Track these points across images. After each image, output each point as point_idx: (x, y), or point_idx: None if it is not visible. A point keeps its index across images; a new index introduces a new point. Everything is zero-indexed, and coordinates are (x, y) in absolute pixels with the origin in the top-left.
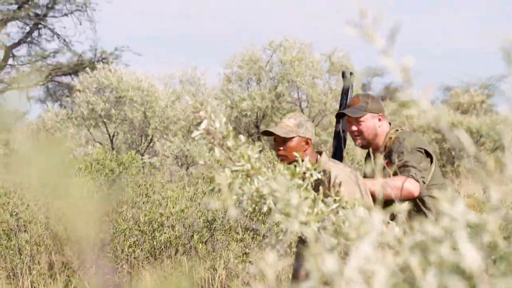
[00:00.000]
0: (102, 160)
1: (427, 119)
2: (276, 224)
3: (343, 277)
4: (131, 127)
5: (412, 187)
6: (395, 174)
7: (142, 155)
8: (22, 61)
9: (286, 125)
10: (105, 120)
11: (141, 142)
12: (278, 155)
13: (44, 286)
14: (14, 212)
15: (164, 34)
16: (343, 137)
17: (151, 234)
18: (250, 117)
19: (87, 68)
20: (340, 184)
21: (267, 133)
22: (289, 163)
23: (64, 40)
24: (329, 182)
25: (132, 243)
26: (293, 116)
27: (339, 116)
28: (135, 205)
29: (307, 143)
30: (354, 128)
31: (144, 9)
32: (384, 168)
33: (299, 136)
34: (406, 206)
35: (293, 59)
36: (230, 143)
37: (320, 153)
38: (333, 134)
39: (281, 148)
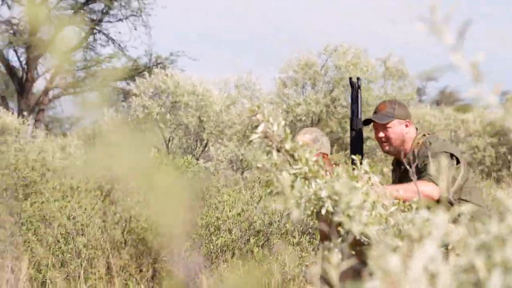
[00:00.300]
0: (160, 164)
1: (488, 120)
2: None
3: (407, 278)
4: (186, 131)
5: (429, 189)
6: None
7: (197, 159)
8: (78, 66)
9: (302, 141)
10: (160, 124)
11: (196, 146)
12: None
13: None
14: (72, 215)
15: (209, 31)
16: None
17: (208, 238)
18: (305, 122)
19: (145, 73)
20: None
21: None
22: None
23: (119, 45)
24: None
25: (188, 246)
26: (308, 131)
27: (366, 123)
28: (193, 209)
29: (324, 157)
30: (381, 134)
31: (189, 6)
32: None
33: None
34: (470, 207)
35: (348, 64)
36: (288, 146)
37: (337, 165)
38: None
39: None
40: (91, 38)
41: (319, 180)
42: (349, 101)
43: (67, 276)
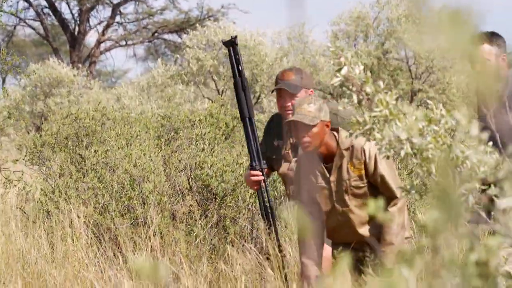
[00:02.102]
0: (216, 114)
1: None
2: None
3: None
4: None
5: None
6: None
7: None
8: (129, 18)
9: (308, 112)
10: (214, 76)
11: None
12: (302, 143)
13: (167, 235)
14: (136, 162)
15: None
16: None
17: (272, 184)
18: None
19: (197, 25)
20: (376, 159)
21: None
22: (312, 150)
23: None
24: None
25: (253, 193)
26: (312, 100)
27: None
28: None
29: (327, 126)
30: (288, 103)
31: None
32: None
33: (321, 120)
34: None
35: (400, 16)
36: (369, 89)
37: (335, 130)
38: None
39: (305, 135)
40: None
41: (399, 123)
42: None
43: (132, 222)
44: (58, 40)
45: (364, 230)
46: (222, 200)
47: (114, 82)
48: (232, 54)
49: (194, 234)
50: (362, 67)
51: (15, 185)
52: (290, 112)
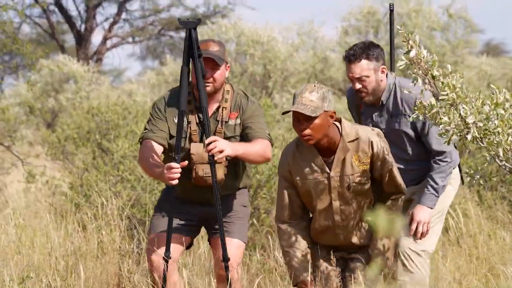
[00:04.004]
0: None
1: None
2: None
3: None
4: (252, 79)
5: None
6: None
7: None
8: (136, 15)
9: (309, 101)
10: None
11: (261, 94)
12: (302, 136)
13: None
14: None
15: None
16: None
17: None
18: None
19: (207, 21)
20: (384, 152)
21: (288, 112)
22: (314, 143)
23: None
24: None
25: None
26: (315, 88)
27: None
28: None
29: (331, 117)
30: (210, 75)
31: None
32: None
33: (324, 111)
34: None
35: (410, 11)
36: (436, 72)
37: (338, 120)
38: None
39: (306, 127)
40: None
41: (466, 106)
42: None
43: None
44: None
45: (358, 235)
46: (256, 191)
47: (113, 80)
48: (194, 37)
49: None
50: (425, 52)
51: (37, 180)
52: (207, 83)
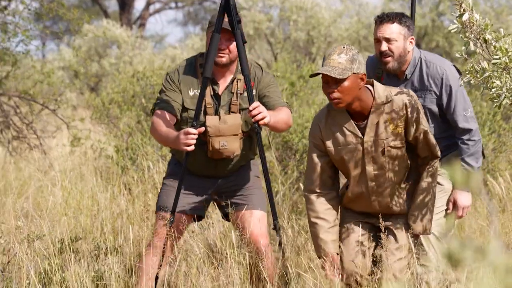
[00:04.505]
0: (283, 73)
1: None
2: None
3: None
4: (295, 45)
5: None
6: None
7: None
8: None
9: (338, 63)
10: (270, 39)
11: (304, 61)
12: (331, 99)
13: None
14: None
15: None
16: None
17: None
18: None
19: None
20: (419, 113)
21: (317, 74)
22: (344, 107)
23: None
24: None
25: None
26: (343, 50)
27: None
28: None
29: (362, 79)
30: (224, 46)
31: None
32: None
33: (354, 73)
34: None
35: None
36: (489, 36)
37: (370, 83)
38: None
39: (334, 90)
40: None
41: None
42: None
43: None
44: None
45: (395, 201)
46: (302, 156)
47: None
48: (231, 3)
49: (275, 190)
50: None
51: (82, 143)
52: (222, 54)
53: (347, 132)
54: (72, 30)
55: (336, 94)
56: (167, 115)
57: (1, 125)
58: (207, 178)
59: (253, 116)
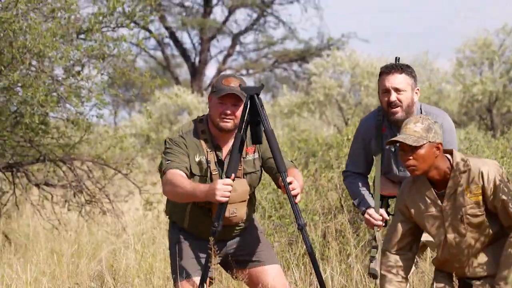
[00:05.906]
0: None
1: None
2: None
3: None
4: (366, 111)
5: None
6: None
7: None
8: (249, 48)
9: (413, 131)
10: (341, 104)
11: None
12: (407, 166)
13: (318, 252)
14: None
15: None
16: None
17: None
18: (482, 102)
19: (323, 53)
20: (496, 182)
21: (393, 142)
22: (420, 175)
23: (289, 27)
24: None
25: None
26: (420, 119)
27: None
28: None
29: (438, 148)
30: (229, 111)
31: None
32: None
33: (429, 142)
34: None
35: None
36: None
37: (449, 152)
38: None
39: (410, 158)
40: (262, 20)
41: None
42: None
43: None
44: (176, 70)
45: (478, 265)
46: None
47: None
48: (257, 102)
49: (347, 253)
50: None
51: (154, 207)
52: (228, 120)
53: (428, 200)
54: (144, 93)
55: (411, 162)
56: (184, 174)
57: (74, 189)
58: (216, 242)
59: (292, 190)
